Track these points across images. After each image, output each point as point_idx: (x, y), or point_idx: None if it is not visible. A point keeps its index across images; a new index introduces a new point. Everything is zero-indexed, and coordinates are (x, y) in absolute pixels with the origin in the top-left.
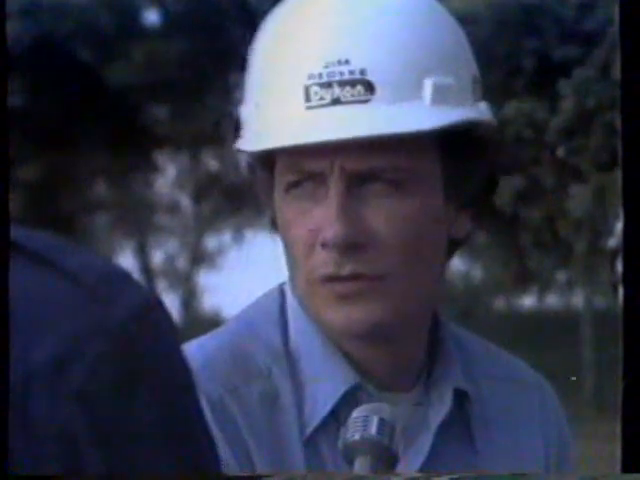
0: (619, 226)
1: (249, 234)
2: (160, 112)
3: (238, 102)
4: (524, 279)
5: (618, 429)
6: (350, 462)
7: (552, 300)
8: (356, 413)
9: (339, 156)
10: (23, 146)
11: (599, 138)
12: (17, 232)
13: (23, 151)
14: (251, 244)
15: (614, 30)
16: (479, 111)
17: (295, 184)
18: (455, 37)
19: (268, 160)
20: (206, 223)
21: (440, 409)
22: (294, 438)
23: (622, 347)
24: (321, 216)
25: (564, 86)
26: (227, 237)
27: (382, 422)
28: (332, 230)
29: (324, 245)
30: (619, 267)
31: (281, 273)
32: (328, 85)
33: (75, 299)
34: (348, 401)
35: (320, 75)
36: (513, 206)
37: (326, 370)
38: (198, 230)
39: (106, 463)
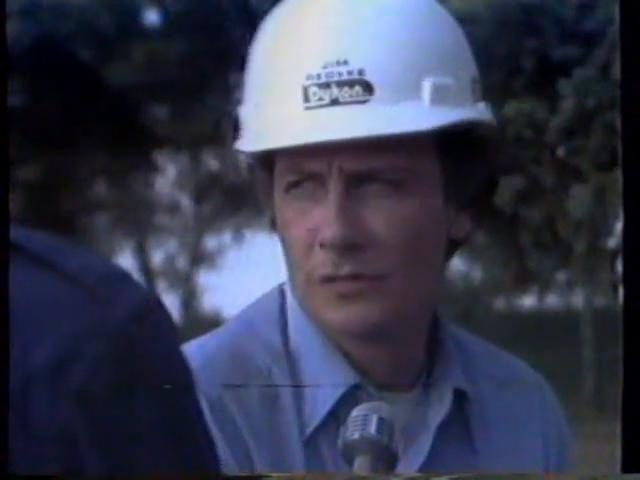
0: (619, 226)
1: (249, 234)
2: (160, 112)
3: (237, 102)
4: (524, 279)
5: (618, 429)
6: (350, 461)
7: (552, 300)
8: (355, 412)
9: (337, 157)
10: (23, 146)
11: (599, 138)
12: (17, 233)
13: (23, 151)
14: (251, 244)
15: (614, 30)
16: (478, 111)
17: (295, 184)
18: (455, 37)
19: (268, 160)
20: (206, 223)
21: (440, 409)
22: (294, 438)
23: (622, 347)
24: (320, 216)
25: (564, 86)
26: (227, 237)
27: (381, 421)
28: (330, 230)
29: (322, 245)
30: (619, 267)
31: (281, 273)
32: (327, 86)
33: (75, 300)
34: (348, 401)
35: (319, 76)
36: (513, 206)
37: (326, 370)
38: (198, 230)
39: (106, 463)
